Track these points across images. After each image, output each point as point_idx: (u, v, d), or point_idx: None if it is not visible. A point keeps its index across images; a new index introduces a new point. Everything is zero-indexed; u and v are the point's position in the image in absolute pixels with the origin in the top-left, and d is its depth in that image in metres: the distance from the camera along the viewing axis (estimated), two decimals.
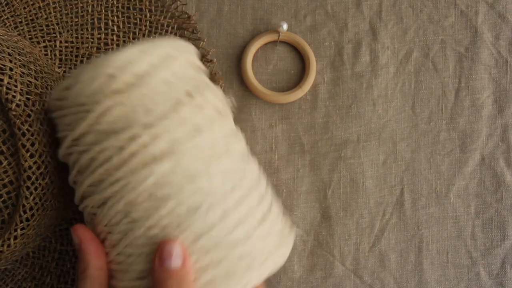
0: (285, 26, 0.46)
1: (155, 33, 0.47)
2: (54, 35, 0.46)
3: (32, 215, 0.35)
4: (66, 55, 0.46)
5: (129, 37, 0.46)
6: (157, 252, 0.31)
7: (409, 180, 0.47)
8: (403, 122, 0.48)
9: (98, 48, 0.46)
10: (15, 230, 0.35)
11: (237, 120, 0.47)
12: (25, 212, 0.35)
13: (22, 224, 0.35)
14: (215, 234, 0.32)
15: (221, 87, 0.46)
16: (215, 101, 0.35)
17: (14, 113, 0.34)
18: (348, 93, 0.47)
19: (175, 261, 0.30)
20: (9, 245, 0.35)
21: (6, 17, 0.45)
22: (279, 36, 0.47)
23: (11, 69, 0.35)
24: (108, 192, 0.32)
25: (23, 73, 0.36)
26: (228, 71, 0.47)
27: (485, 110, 0.48)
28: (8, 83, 0.34)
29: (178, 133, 0.32)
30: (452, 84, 0.48)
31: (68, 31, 0.46)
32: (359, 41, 0.48)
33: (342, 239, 0.46)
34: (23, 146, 0.34)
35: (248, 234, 0.33)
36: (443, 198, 0.47)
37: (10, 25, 0.45)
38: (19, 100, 0.35)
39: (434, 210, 0.47)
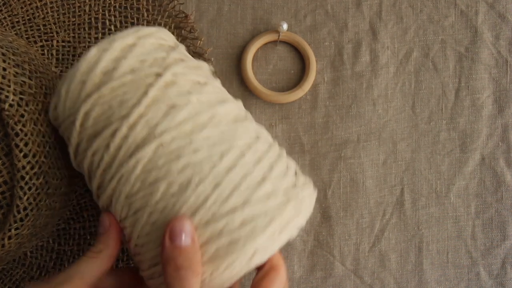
0: (285, 26, 0.46)
1: None
2: (51, 34, 0.46)
3: (26, 215, 0.35)
4: (63, 54, 0.46)
5: None
6: (167, 229, 0.30)
7: (409, 180, 0.47)
8: (403, 122, 0.47)
9: None
10: (9, 230, 0.35)
11: None
12: (19, 212, 0.35)
13: (16, 224, 0.35)
14: (210, 205, 0.31)
15: None
16: (190, 73, 0.34)
17: (7, 113, 0.34)
18: (348, 93, 0.47)
19: (186, 239, 0.30)
20: (3, 245, 0.35)
21: (3, 16, 0.45)
22: (279, 36, 0.47)
23: (4, 69, 0.34)
24: (110, 190, 0.33)
25: (17, 73, 0.35)
26: (228, 71, 0.47)
27: (485, 110, 0.48)
28: (1, 83, 0.34)
29: (154, 115, 0.32)
30: (452, 84, 0.48)
31: (65, 30, 0.46)
32: (359, 41, 0.48)
33: (342, 239, 0.46)
34: (17, 146, 0.34)
35: (245, 198, 0.32)
36: (443, 198, 0.47)
37: (8, 24, 0.45)
38: (12, 100, 0.34)
39: (434, 210, 0.47)
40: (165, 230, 0.30)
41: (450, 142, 0.47)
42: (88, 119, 0.33)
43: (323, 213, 0.46)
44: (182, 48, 0.37)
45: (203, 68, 0.36)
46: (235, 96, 0.47)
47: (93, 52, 0.33)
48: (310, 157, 0.47)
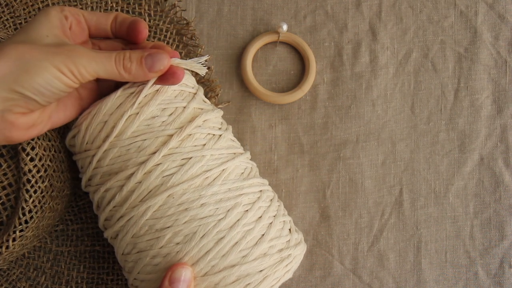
0: (285, 27, 0.46)
1: (154, 38, 0.46)
2: None
3: (31, 217, 0.36)
4: None
5: None
6: (169, 273, 0.33)
7: (408, 180, 0.47)
8: (402, 122, 0.48)
9: None
10: (14, 232, 0.35)
11: (237, 121, 0.47)
12: (24, 214, 0.35)
13: (21, 226, 0.35)
14: (210, 259, 0.33)
15: (217, 95, 0.46)
16: (206, 126, 0.36)
17: None
18: (347, 93, 0.48)
19: (183, 285, 0.32)
20: (7, 247, 0.35)
21: (5, 18, 0.45)
22: (279, 36, 0.47)
23: None
24: (117, 227, 0.35)
25: None
26: (228, 72, 0.47)
27: (484, 110, 0.48)
28: None
29: (168, 166, 0.34)
30: (452, 85, 0.48)
31: None
32: (358, 42, 0.48)
33: (341, 238, 0.47)
34: (23, 149, 0.35)
35: (243, 255, 0.34)
36: (442, 198, 0.47)
37: (10, 26, 0.45)
38: None
39: (432, 210, 0.47)
40: (166, 273, 0.33)
41: (449, 143, 0.48)
42: (105, 158, 0.34)
43: (322, 213, 0.47)
44: (201, 92, 0.38)
45: (218, 116, 0.38)
46: (236, 97, 0.47)
47: (118, 94, 0.34)
48: (310, 157, 0.47)
